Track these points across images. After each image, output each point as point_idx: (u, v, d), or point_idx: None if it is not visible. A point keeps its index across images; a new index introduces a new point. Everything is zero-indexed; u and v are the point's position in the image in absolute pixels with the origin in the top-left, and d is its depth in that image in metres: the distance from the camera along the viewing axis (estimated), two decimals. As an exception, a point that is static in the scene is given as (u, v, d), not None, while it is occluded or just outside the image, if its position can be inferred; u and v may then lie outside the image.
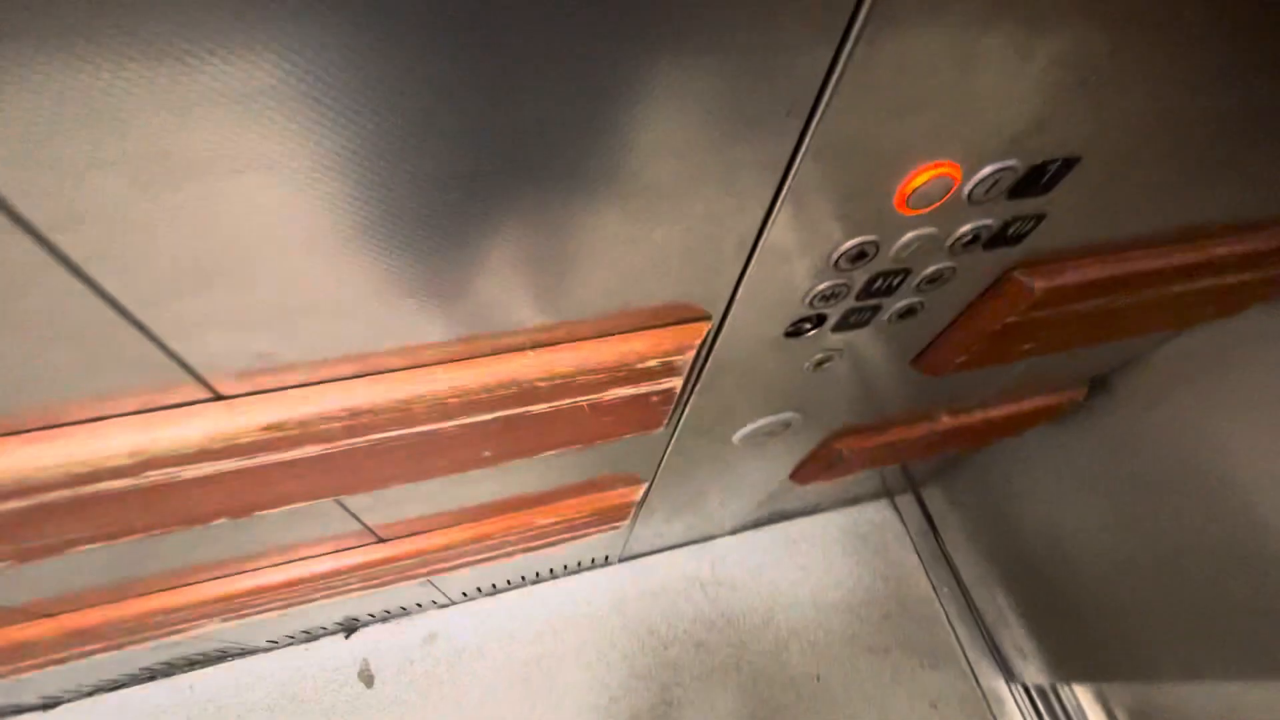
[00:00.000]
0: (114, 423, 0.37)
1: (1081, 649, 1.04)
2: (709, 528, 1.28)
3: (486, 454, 0.53)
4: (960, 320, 0.60)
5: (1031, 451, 1.07)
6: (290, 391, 0.40)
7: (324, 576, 0.73)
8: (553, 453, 0.56)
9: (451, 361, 0.43)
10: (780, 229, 0.40)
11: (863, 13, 0.27)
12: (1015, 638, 1.17)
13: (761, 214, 0.38)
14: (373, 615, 1.17)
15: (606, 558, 1.25)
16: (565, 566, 1.22)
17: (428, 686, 1.16)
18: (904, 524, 1.40)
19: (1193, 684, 0.87)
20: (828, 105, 0.31)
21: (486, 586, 1.19)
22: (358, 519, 0.66)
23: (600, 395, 0.48)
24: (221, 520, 0.48)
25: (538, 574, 1.22)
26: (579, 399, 0.48)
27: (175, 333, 0.33)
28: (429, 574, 0.86)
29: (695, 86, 0.29)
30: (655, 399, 0.51)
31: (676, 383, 0.50)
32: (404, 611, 1.20)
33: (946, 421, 0.91)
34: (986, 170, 0.39)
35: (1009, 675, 1.20)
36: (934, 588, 1.32)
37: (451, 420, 0.45)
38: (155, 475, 0.39)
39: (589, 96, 0.28)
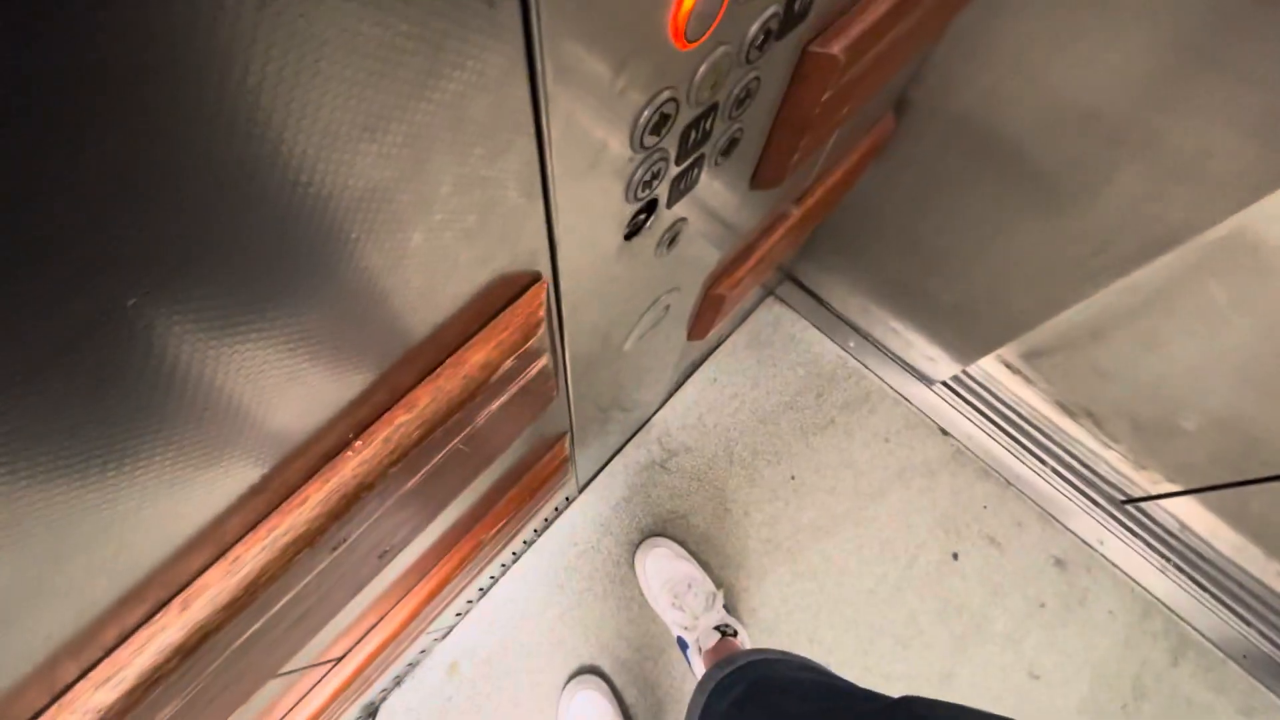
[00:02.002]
0: None
1: (969, 331, 1.17)
2: (640, 416, 1.27)
3: (383, 553, 0.43)
4: (778, 124, 0.54)
5: (872, 192, 1.10)
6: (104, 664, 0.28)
7: (305, 730, 0.64)
8: (458, 499, 0.47)
9: (267, 517, 0.31)
10: (561, 145, 0.30)
11: None
12: (920, 350, 1.30)
13: (531, 142, 0.28)
14: (385, 689, 1.09)
15: (568, 499, 1.22)
16: (535, 531, 1.18)
17: (476, 707, 1.13)
18: (793, 309, 1.45)
19: (1055, 316, 1.00)
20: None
21: (474, 594, 1.13)
22: (295, 671, 0.56)
23: (473, 425, 0.39)
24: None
25: (514, 554, 1.17)
26: (450, 445, 0.39)
27: None
28: (408, 645, 0.78)
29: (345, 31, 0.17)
30: (533, 385, 0.43)
31: (544, 360, 0.42)
32: (413, 666, 1.13)
33: (796, 213, 0.90)
34: (753, -50, 0.30)
35: (928, 381, 1.35)
36: (841, 348, 1.42)
37: (312, 571, 0.34)
38: None
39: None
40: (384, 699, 1.12)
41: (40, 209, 0.15)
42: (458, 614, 1.12)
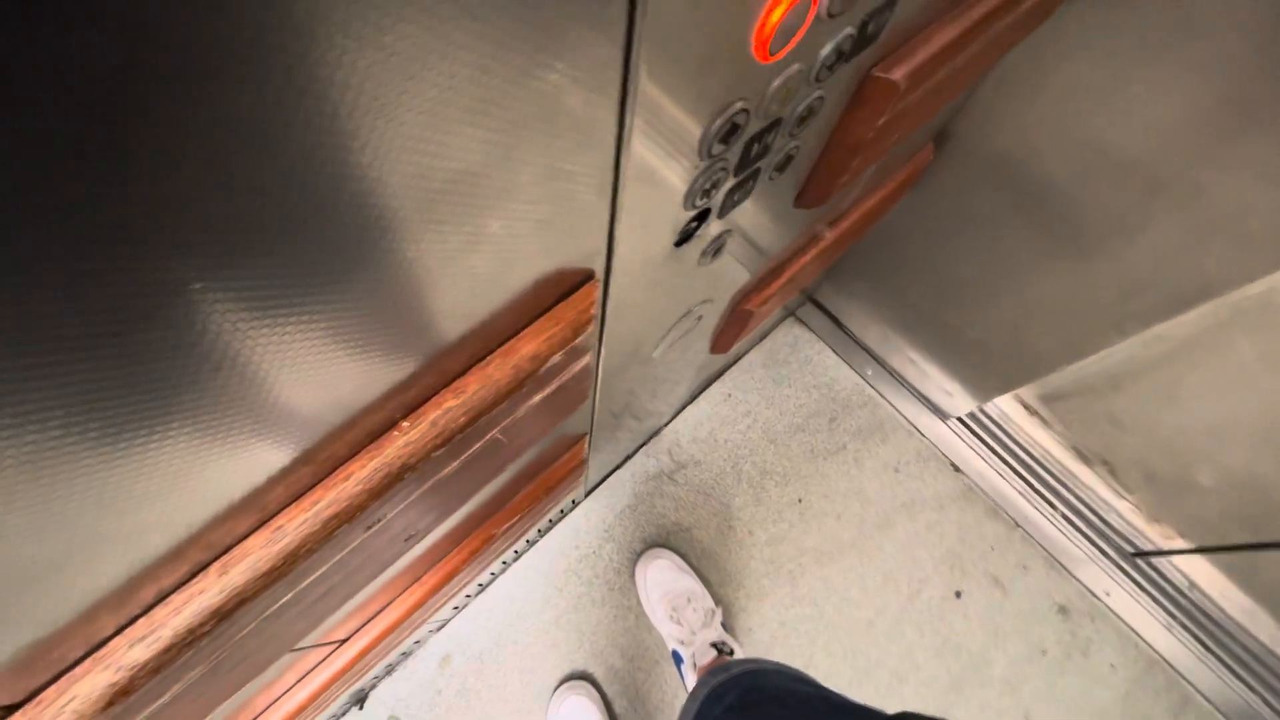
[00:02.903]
0: None
1: (988, 368, 1.17)
2: (652, 425, 1.27)
3: (409, 537, 0.43)
4: (831, 144, 0.54)
5: (901, 220, 1.11)
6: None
7: (300, 709, 0.63)
8: (484, 491, 0.47)
9: (311, 489, 0.31)
10: (638, 145, 0.30)
11: None
12: (937, 383, 1.30)
13: (612, 138, 0.28)
14: (376, 677, 1.09)
15: (574, 502, 1.21)
16: (539, 530, 1.18)
17: (465, 703, 1.12)
18: (812, 331, 1.45)
19: (1078, 361, 1.00)
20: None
21: (473, 589, 1.13)
22: (304, 649, 0.56)
23: (513, 417, 0.39)
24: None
25: (516, 552, 1.17)
26: (490, 435, 0.39)
27: None
28: (409, 634, 0.78)
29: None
30: (572, 383, 0.43)
31: (588, 358, 0.42)
32: (406, 655, 1.12)
33: (829, 235, 0.90)
34: (842, -30, 0.31)
35: (943, 416, 1.34)
36: (858, 374, 1.41)
37: (346, 547, 0.34)
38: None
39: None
40: (374, 687, 1.11)
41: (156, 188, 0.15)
42: (455, 607, 1.11)
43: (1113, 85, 0.73)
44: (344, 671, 0.66)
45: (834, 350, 1.43)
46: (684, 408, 1.36)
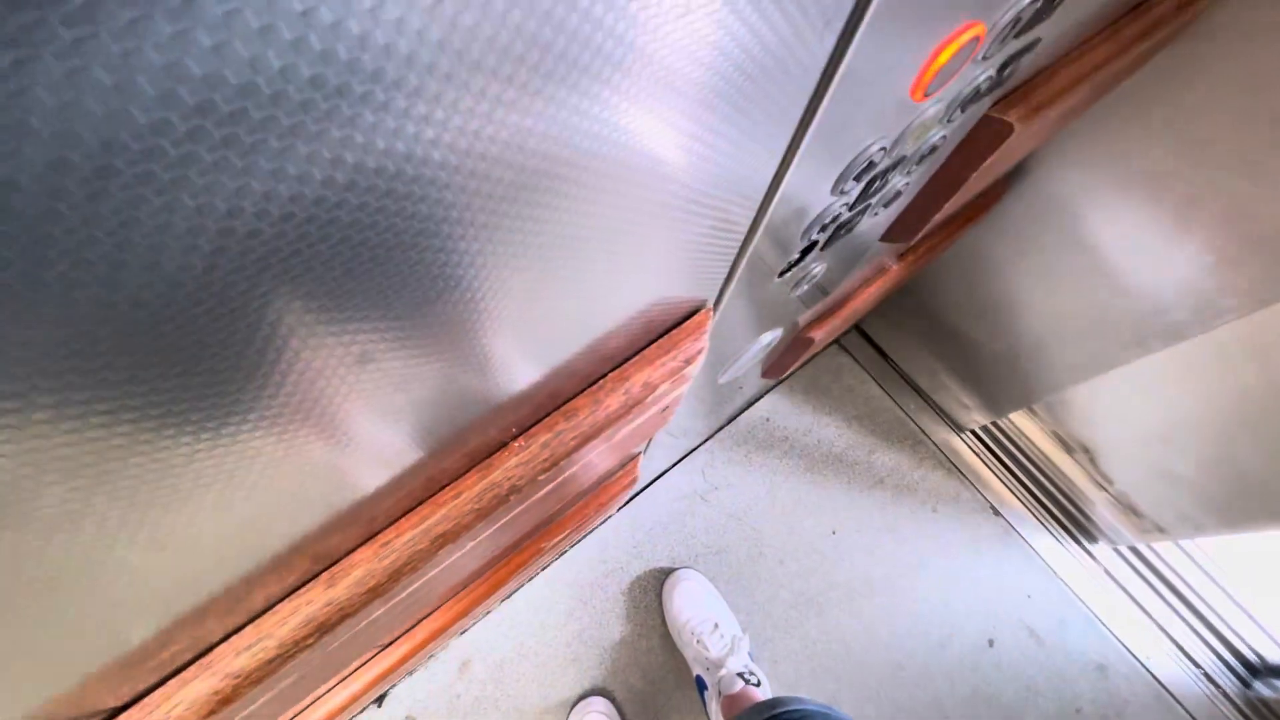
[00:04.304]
0: None
1: (1013, 380, 1.15)
2: (690, 443, 1.25)
3: (490, 553, 0.42)
4: (932, 181, 0.53)
5: (960, 255, 1.09)
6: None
7: (338, 711, 0.63)
8: (557, 509, 0.46)
9: (420, 505, 0.31)
10: (792, 178, 0.29)
11: None
12: (976, 417, 1.27)
13: (773, 171, 0.27)
14: (396, 679, 1.08)
15: (606, 516, 1.20)
16: (570, 540, 1.17)
17: (482, 711, 1.11)
18: (857, 361, 1.43)
19: (1083, 382, 0.99)
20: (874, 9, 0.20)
21: (500, 594, 1.12)
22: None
23: (610, 441, 0.38)
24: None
25: (544, 562, 1.16)
26: (587, 458, 0.38)
27: None
28: (447, 640, 0.77)
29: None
30: (669, 409, 0.42)
31: (685, 388, 0.41)
32: (428, 657, 1.12)
33: (895, 269, 0.88)
34: (1009, 15, 0.30)
35: (960, 429, 1.31)
36: (901, 408, 1.39)
37: (444, 562, 0.33)
38: None
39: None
40: (394, 686, 1.11)
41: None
42: (483, 612, 1.10)
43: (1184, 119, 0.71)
44: (384, 676, 0.65)
45: (876, 381, 1.41)
46: (722, 428, 1.34)
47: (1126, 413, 1.05)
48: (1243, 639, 1.17)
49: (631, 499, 1.26)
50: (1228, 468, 0.95)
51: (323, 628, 0.29)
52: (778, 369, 0.94)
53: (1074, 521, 1.26)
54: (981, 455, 1.33)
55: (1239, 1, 0.61)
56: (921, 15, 0.24)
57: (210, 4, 0.10)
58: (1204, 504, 1.03)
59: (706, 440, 1.33)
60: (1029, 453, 1.28)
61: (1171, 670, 1.20)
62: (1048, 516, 1.28)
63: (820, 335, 0.83)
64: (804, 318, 0.78)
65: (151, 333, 0.14)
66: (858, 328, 1.43)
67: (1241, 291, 0.76)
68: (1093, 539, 1.26)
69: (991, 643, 1.22)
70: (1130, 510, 1.17)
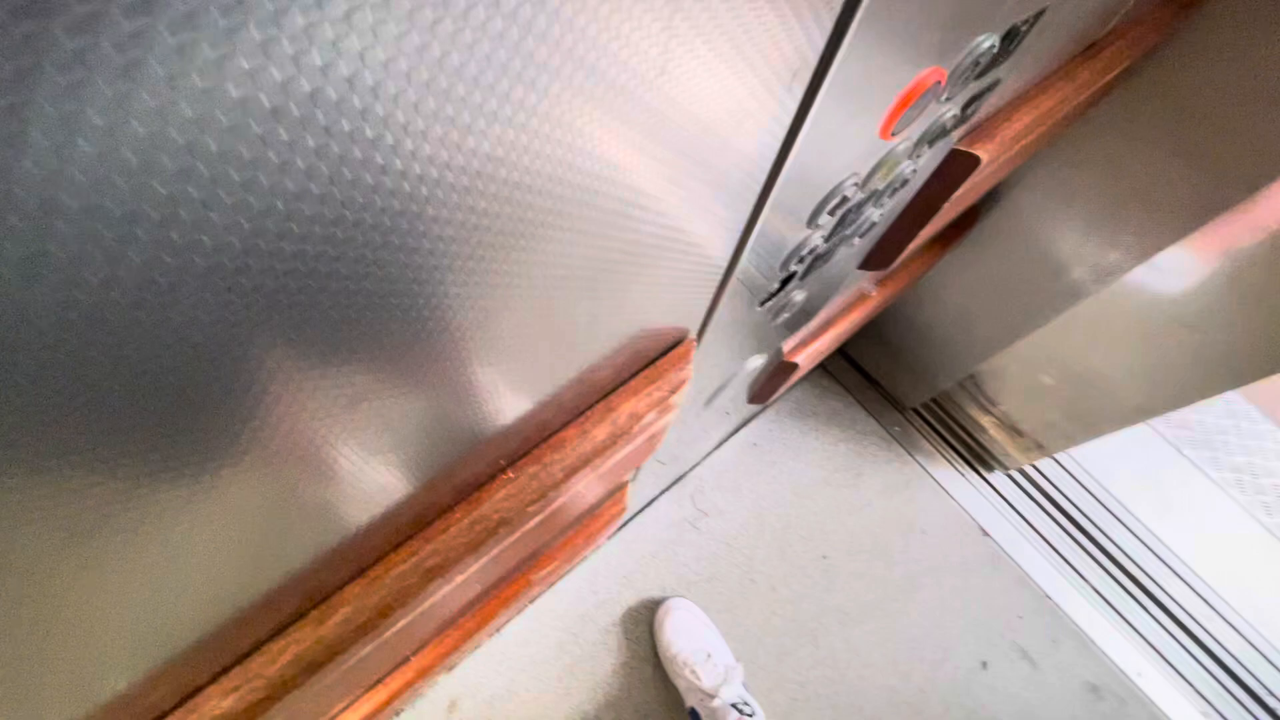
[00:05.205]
0: None
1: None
2: (678, 470, 1.25)
3: (478, 587, 0.42)
4: (906, 212, 0.55)
5: (935, 278, 1.12)
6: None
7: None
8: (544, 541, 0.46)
9: (410, 539, 0.31)
10: (769, 215, 0.30)
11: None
12: (983, 438, 1.28)
13: (749, 210, 0.29)
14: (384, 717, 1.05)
15: (595, 546, 1.19)
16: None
17: (473, 751, 1.08)
18: (841, 383, 1.45)
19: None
20: (843, 55, 0.21)
21: (495, 628, 1.10)
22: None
23: (597, 471, 0.39)
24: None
25: (534, 594, 1.14)
26: (575, 490, 0.38)
27: None
28: (434, 678, 0.76)
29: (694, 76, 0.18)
30: (655, 438, 0.43)
31: (672, 415, 0.42)
32: (417, 695, 1.09)
33: (875, 294, 0.90)
34: (966, 60, 0.32)
35: (987, 468, 1.33)
36: (885, 430, 1.40)
37: (430, 599, 0.33)
38: None
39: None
40: (379, 728, 1.07)
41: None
42: (471, 647, 1.08)
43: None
44: (370, 717, 0.64)
45: (861, 404, 1.42)
46: (710, 454, 1.34)
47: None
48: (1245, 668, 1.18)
49: (621, 528, 1.25)
50: (1083, 377, 1.03)
51: (312, 666, 0.29)
52: (763, 394, 0.96)
53: (1072, 537, 1.27)
54: (967, 475, 1.34)
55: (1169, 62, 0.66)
56: (885, 66, 0.26)
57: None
58: (1068, 412, 1.09)
59: (695, 466, 1.33)
60: (1003, 461, 1.30)
61: (1164, 689, 1.20)
62: (1035, 536, 1.29)
63: (804, 360, 0.84)
64: (787, 344, 0.79)
65: (141, 392, 0.15)
66: (842, 352, 1.45)
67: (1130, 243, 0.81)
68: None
69: (985, 664, 1.21)
70: (1014, 430, 1.20)
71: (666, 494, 1.30)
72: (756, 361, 0.69)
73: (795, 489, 1.33)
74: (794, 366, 0.86)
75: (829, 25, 0.20)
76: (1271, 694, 1.17)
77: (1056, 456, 1.23)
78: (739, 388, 0.85)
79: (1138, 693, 1.20)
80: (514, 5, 0.13)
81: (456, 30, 0.12)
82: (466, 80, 0.13)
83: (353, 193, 0.14)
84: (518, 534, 0.36)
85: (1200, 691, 1.18)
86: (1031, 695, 1.19)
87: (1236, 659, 1.21)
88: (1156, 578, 1.28)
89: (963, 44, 0.31)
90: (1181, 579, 1.29)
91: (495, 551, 0.36)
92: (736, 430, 1.38)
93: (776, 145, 0.24)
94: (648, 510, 1.28)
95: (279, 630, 0.29)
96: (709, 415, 0.98)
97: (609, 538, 1.20)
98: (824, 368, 1.47)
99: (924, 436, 1.38)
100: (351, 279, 0.16)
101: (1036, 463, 1.28)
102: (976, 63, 0.32)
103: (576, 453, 0.34)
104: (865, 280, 0.83)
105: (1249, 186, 0.68)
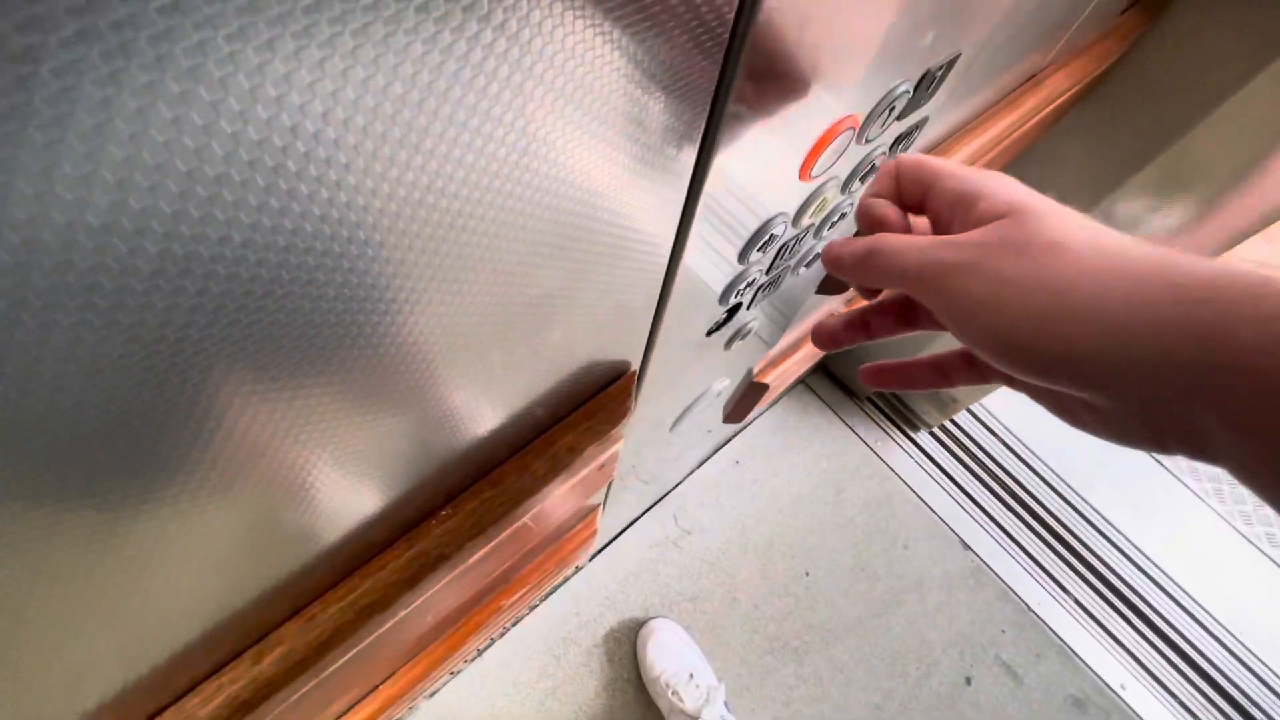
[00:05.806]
0: None
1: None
2: (658, 489, 1.26)
3: (435, 616, 0.43)
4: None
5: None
6: None
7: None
8: (506, 568, 0.47)
9: (347, 577, 0.32)
10: (689, 258, 0.32)
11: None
12: (965, 454, 1.29)
13: (666, 257, 0.30)
14: (362, 746, 1.04)
15: (577, 567, 1.19)
16: (539, 596, 1.15)
17: (455, 778, 1.07)
18: (821, 399, 1.46)
19: None
20: (723, 122, 0.23)
21: (470, 654, 1.10)
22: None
23: (543, 504, 0.40)
24: None
25: (515, 617, 1.14)
26: (520, 522, 0.39)
27: None
28: (405, 706, 0.75)
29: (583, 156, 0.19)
30: (604, 468, 0.43)
31: (619, 445, 0.43)
32: (394, 723, 1.08)
33: (845, 308, 0.92)
34: (882, 104, 0.33)
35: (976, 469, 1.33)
36: (868, 446, 1.41)
37: (374, 634, 0.34)
38: None
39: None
40: (359, 756, 1.06)
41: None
42: (451, 672, 1.08)
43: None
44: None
45: (842, 419, 1.43)
46: (691, 472, 1.35)
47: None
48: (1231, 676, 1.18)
49: (604, 548, 1.25)
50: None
51: (247, 705, 0.30)
52: (738, 414, 0.96)
53: (1054, 550, 1.27)
54: (949, 489, 1.35)
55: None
56: (790, 118, 0.27)
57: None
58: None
59: (677, 485, 1.34)
60: (988, 469, 1.30)
61: (1148, 701, 1.20)
62: (1018, 550, 1.30)
63: (775, 380, 0.85)
64: (757, 365, 0.80)
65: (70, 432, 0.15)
66: (822, 367, 1.47)
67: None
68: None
69: (969, 680, 1.21)
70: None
71: (649, 513, 1.31)
72: (722, 384, 0.70)
73: (778, 505, 1.33)
74: (765, 387, 0.87)
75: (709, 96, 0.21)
76: (1254, 704, 1.17)
77: (1040, 471, 1.24)
78: (712, 409, 0.86)
79: (1121, 706, 1.20)
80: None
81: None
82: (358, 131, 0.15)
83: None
84: (459, 569, 0.37)
85: (1184, 703, 1.18)
86: (1016, 710, 1.19)
87: (1219, 670, 1.21)
88: (1139, 589, 1.29)
89: (876, 91, 0.32)
90: (1164, 590, 1.30)
91: (438, 586, 0.37)
92: (719, 448, 1.38)
93: (683, 188, 0.25)
94: (631, 529, 1.29)
95: (215, 669, 0.29)
96: (691, 433, 0.99)
97: (589, 559, 1.20)
98: (805, 383, 1.48)
99: (904, 451, 1.39)
100: (269, 318, 0.17)
101: (1018, 474, 1.29)
102: (892, 107, 0.34)
103: (516, 486, 0.35)
104: (832, 301, 0.84)
105: (1197, 208, 0.70)
